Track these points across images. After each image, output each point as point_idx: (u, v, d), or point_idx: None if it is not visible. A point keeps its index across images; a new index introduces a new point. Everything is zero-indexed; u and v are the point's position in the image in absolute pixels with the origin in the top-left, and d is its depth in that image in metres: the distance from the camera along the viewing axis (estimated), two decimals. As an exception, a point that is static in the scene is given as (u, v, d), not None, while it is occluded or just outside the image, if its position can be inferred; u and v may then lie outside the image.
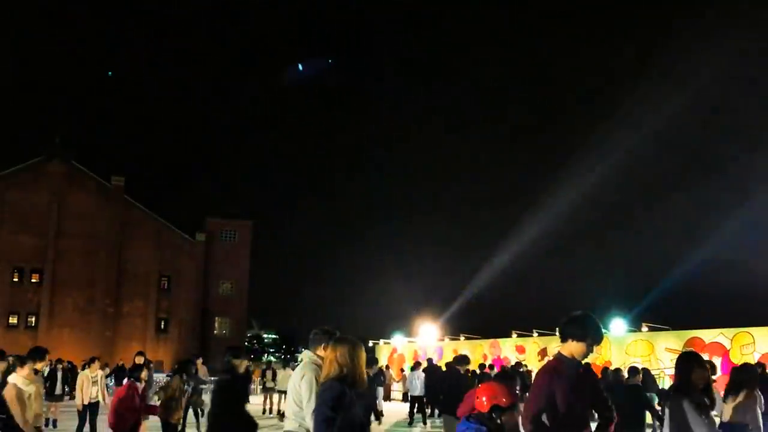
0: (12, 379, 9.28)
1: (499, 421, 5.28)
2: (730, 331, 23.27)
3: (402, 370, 36.63)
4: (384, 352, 39.86)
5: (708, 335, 23.86)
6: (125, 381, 12.99)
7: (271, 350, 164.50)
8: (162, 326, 67.56)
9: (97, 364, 17.01)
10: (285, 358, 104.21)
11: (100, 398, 16.45)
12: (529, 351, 30.88)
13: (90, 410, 16.21)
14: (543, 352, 29.48)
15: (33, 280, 63.86)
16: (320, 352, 6.56)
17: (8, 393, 9.04)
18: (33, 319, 63.14)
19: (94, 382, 16.31)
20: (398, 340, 40.33)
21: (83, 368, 23.08)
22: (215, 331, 70.05)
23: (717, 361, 21.92)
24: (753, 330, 22.71)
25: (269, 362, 51.98)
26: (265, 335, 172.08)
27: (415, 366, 26.80)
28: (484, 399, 5.31)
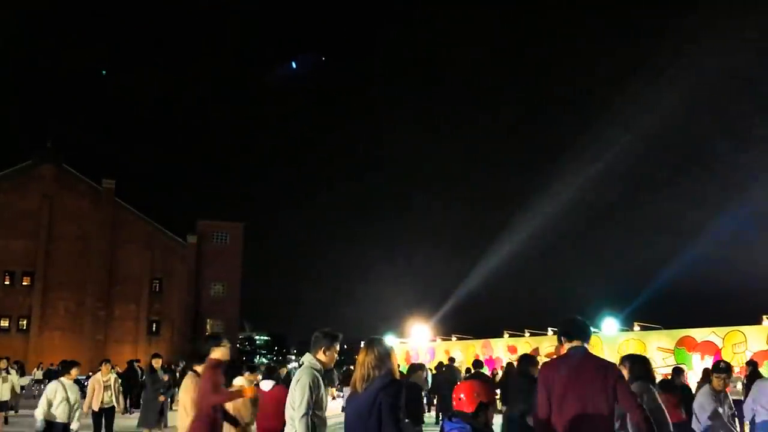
0: (239, 381, 9.36)
1: (485, 419, 5.29)
2: (722, 330, 23.32)
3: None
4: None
5: (700, 334, 23.91)
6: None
7: (263, 352, 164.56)
8: (154, 328, 67.36)
9: (107, 367, 16.13)
10: (277, 359, 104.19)
11: (115, 403, 15.73)
12: (521, 351, 30.87)
13: (106, 416, 15.41)
14: (535, 352, 29.48)
15: (24, 283, 63.66)
16: (320, 356, 6.49)
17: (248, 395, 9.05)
18: (24, 323, 62.92)
19: (107, 387, 15.55)
20: (390, 340, 40.22)
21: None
22: (207, 333, 69.85)
23: (709, 360, 21.99)
24: (745, 329, 22.76)
25: (262, 364, 51.98)
26: (257, 337, 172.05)
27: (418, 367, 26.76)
28: (463, 396, 5.31)
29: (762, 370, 18.47)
